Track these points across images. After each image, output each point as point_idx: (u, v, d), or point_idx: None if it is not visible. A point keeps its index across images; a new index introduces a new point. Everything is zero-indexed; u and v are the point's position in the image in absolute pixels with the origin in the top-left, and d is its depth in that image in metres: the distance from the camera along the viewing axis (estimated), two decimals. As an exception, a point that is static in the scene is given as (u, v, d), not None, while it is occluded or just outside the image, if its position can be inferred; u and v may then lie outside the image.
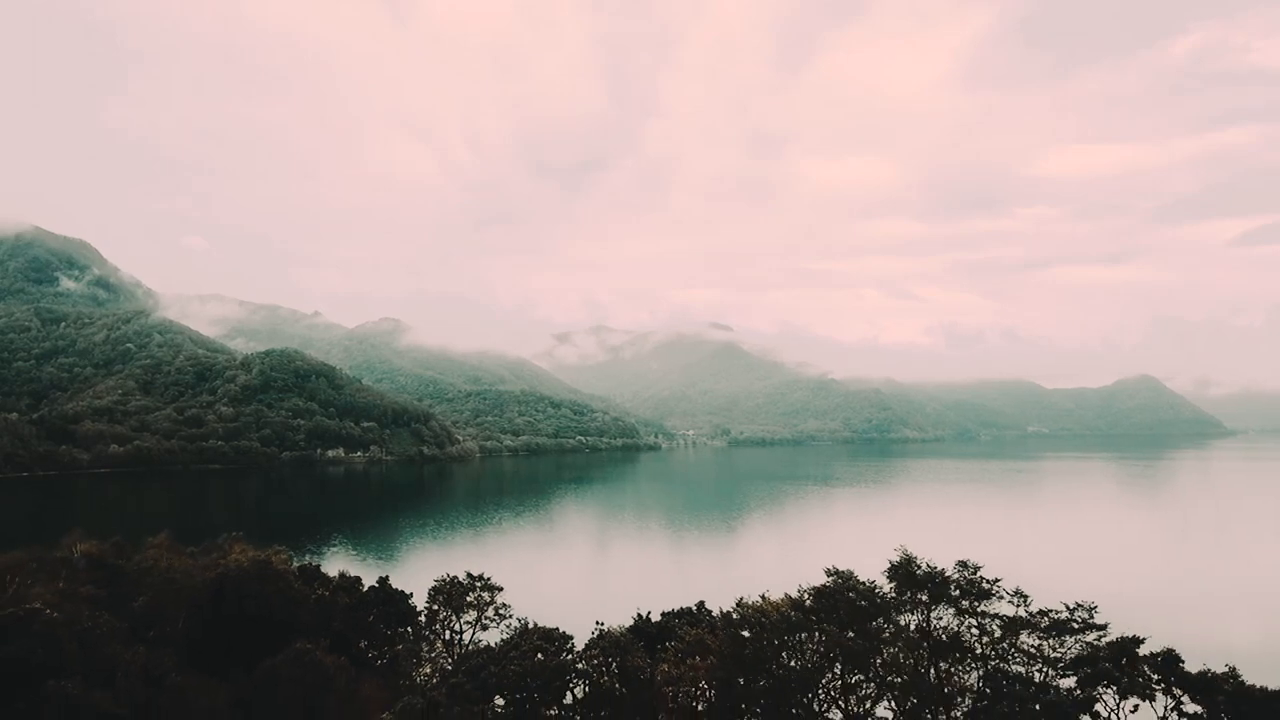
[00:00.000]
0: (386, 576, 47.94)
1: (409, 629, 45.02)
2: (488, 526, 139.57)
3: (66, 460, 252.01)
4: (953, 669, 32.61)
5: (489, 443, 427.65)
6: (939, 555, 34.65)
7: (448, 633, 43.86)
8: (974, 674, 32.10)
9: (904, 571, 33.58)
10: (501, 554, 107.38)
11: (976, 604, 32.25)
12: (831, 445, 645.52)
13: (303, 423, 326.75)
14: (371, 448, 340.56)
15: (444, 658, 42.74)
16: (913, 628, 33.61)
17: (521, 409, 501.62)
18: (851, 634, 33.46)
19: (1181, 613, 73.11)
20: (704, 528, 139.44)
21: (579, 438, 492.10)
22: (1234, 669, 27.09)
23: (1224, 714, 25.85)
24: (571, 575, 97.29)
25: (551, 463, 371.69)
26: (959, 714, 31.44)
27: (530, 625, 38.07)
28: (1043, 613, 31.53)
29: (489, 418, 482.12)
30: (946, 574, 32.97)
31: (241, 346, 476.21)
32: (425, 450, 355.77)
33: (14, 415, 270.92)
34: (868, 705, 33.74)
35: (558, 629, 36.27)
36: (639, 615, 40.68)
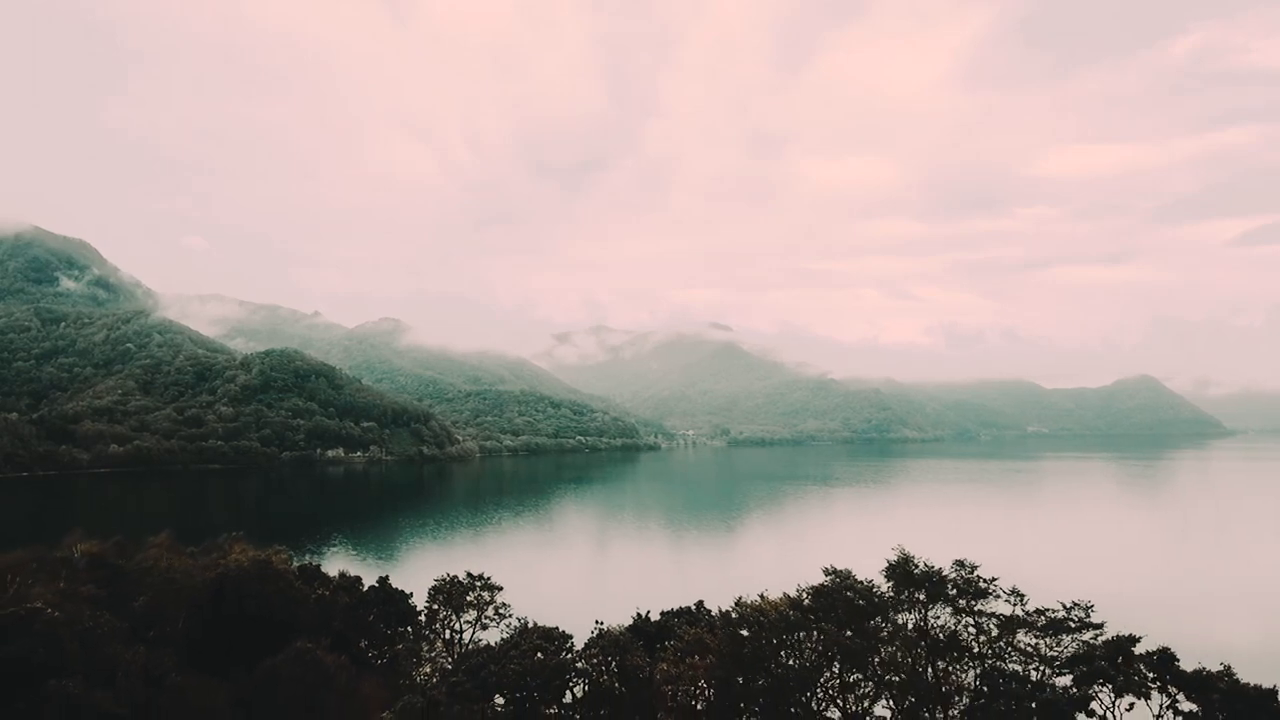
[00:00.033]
0: (386, 576, 48.07)
1: (409, 628, 45.13)
2: (487, 526, 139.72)
3: (66, 460, 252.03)
4: (950, 668, 32.77)
5: (489, 443, 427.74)
6: (938, 555, 34.82)
7: (448, 632, 44.00)
8: (971, 672, 32.28)
9: (901, 571, 33.76)
10: (501, 554, 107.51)
11: (973, 603, 32.44)
12: (831, 445, 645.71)
13: (303, 423, 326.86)
14: (371, 448, 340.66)
15: (444, 657, 42.87)
16: (910, 627, 33.79)
17: (521, 409, 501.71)
18: (850, 633, 33.64)
19: (1178, 612, 73.31)
20: (703, 527, 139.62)
21: (579, 438, 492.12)
22: (1229, 667, 27.27)
23: (1218, 712, 26.02)
24: (571, 575, 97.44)
25: (551, 463, 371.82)
26: (956, 712, 31.60)
27: (530, 624, 38.23)
28: (1039, 612, 31.73)
29: (489, 418, 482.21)
30: (944, 573, 33.16)
31: (241, 346, 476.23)
32: (425, 450, 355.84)
33: (14, 415, 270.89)
34: (866, 704, 33.91)
35: (557, 628, 36.44)
36: (638, 614, 40.82)
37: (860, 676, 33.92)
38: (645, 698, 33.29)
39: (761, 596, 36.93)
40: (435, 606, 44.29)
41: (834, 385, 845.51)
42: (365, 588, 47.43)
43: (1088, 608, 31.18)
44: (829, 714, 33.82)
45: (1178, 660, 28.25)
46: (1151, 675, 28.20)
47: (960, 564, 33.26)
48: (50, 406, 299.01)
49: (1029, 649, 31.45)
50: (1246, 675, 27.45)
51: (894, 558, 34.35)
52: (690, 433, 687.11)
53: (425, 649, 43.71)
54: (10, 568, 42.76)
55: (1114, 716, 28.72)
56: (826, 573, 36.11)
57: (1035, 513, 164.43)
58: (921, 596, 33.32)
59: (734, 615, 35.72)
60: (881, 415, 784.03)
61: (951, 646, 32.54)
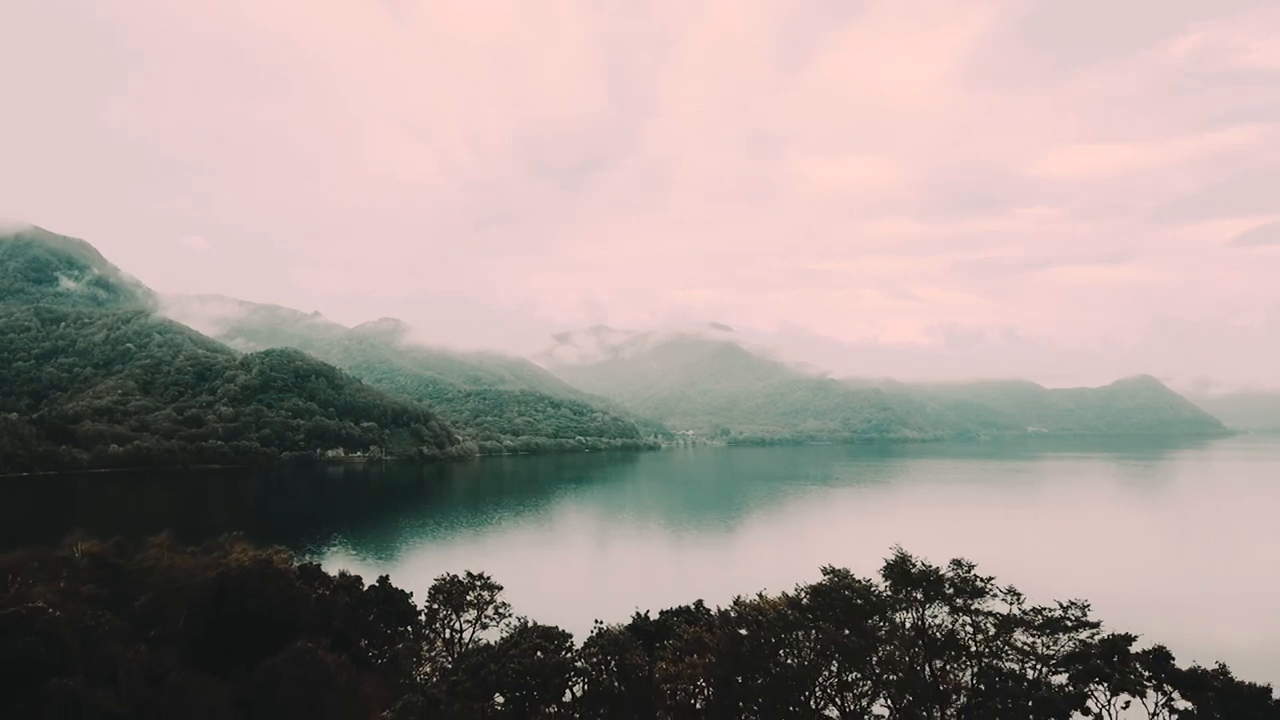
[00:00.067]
0: (387, 576, 48.20)
1: (409, 628, 45.27)
2: (487, 526, 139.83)
3: (66, 460, 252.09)
4: (947, 666, 32.93)
5: (489, 443, 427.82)
6: (938, 555, 34.94)
7: (448, 631, 44.15)
8: (968, 671, 32.44)
9: (899, 570, 33.91)
10: (501, 553, 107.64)
11: (970, 602, 32.60)
12: (831, 445, 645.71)
13: (302, 423, 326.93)
14: (371, 448, 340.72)
15: (444, 656, 43.04)
16: (908, 626, 33.94)
17: (521, 409, 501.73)
18: (848, 632, 33.80)
19: (1175, 612, 73.45)
20: (702, 527, 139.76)
21: (578, 438, 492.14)
22: (1224, 666, 27.44)
23: (1213, 710, 26.18)
24: (571, 574, 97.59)
25: (551, 463, 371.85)
26: (953, 711, 31.74)
27: (530, 624, 38.40)
28: (1036, 611, 31.91)
29: (489, 418, 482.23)
30: (940, 572, 33.32)
31: (241, 346, 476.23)
32: (425, 450, 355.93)
33: (14, 415, 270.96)
34: (864, 702, 34.06)
35: (557, 627, 36.61)
36: (637, 614, 40.94)
37: (858, 675, 34.07)
38: (644, 696, 33.46)
39: (760, 596, 37.10)
40: (435, 606, 44.45)
41: (834, 385, 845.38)
42: (365, 587, 47.56)
43: (1084, 607, 31.36)
44: (827, 712, 33.97)
45: (1173, 659, 28.43)
46: (1147, 674, 28.39)
47: (957, 563, 33.43)
48: (50, 406, 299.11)
49: (1025, 648, 31.63)
50: (1242, 674, 27.60)
51: (891, 557, 34.51)
52: (690, 433, 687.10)
53: (425, 648, 43.87)
54: (11, 567, 42.86)
55: (1109, 714, 28.88)
56: (824, 572, 36.27)
57: (1034, 513, 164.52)
58: (919, 596, 33.49)
59: (733, 614, 35.88)
60: (881, 415, 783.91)
61: (949, 645, 32.71)
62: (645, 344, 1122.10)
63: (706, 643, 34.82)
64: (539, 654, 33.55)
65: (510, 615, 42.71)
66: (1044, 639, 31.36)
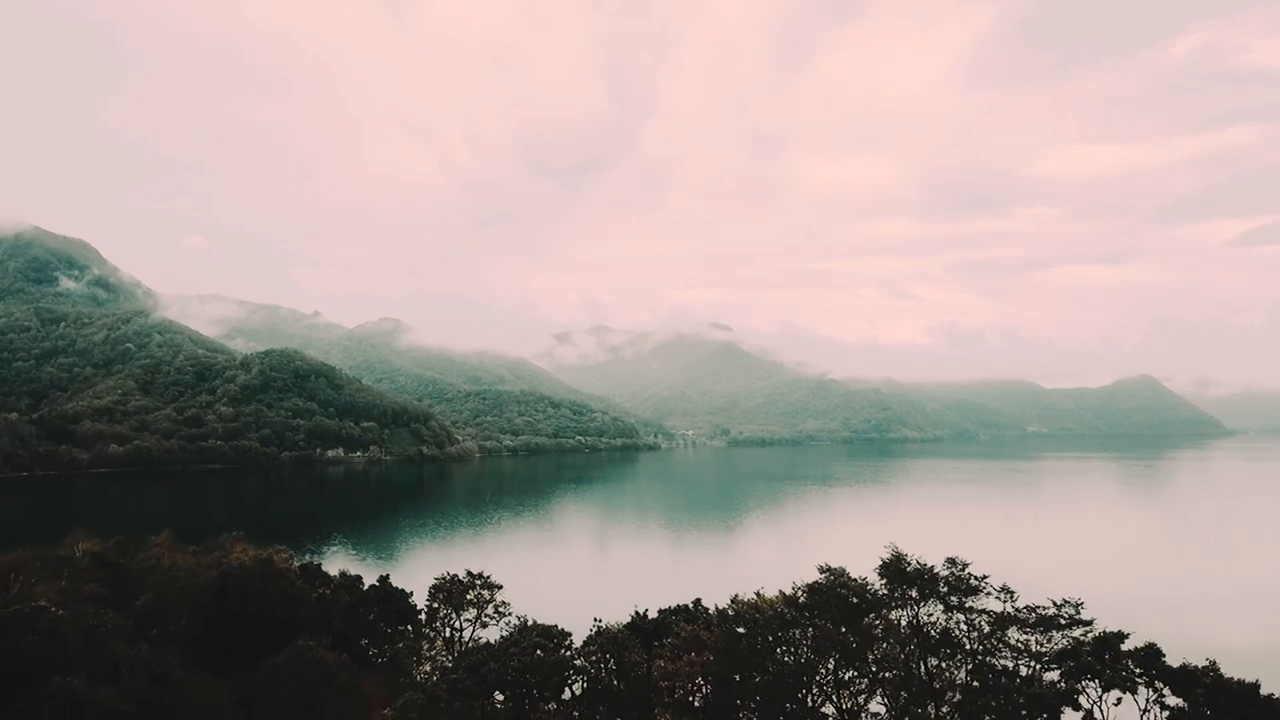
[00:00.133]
0: (387, 575, 48.47)
1: (409, 627, 45.54)
2: (487, 526, 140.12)
3: (66, 460, 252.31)
4: (943, 664, 33.20)
5: (488, 443, 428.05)
6: (937, 554, 35.21)
7: (448, 630, 44.43)
8: (963, 669, 32.70)
9: (894, 569, 34.20)
10: (501, 553, 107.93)
11: (965, 600, 32.90)
12: (831, 445, 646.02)
13: (302, 423, 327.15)
14: (371, 448, 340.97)
15: (444, 655, 43.32)
16: (904, 624, 34.22)
17: (521, 409, 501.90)
18: (844, 630, 34.06)
19: (1169, 610, 73.79)
20: (701, 527, 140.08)
21: (578, 438, 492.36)
22: (1214, 663, 27.75)
23: (1203, 706, 26.49)
24: (570, 573, 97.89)
25: (551, 463, 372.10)
26: (948, 708, 32.02)
27: (529, 622, 38.66)
28: (1030, 609, 32.22)
29: (489, 418, 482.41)
30: (935, 570, 33.61)
31: (241, 346, 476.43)
32: (425, 450, 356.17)
33: (14, 415, 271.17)
34: (860, 700, 34.30)
35: (556, 626, 36.87)
36: (636, 612, 41.19)
37: (855, 673, 34.31)
38: (643, 694, 33.75)
39: (758, 594, 37.38)
40: (435, 605, 44.72)
41: (834, 385, 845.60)
42: (366, 587, 47.83)
43: (1078, 605, 31.65)
44: (824, 710, 34.22)
45: (1164, 656, 28.74)
46: (1138, 671, 28.68)
47: (952, 562, 33.74)
48: (50, 406, 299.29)
49: (1019, 645, 31.91)
50: (1233, 671, 27.92)
51: (887, 556, 34.81)
52: (690, 433, 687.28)
53: (425, 647, 44.15)
54: (13, 567, 43.15)
55: (1101, 711, 29.20)
56: (821, 570, 36.53)
57: (1033, 513, 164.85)
58: (914, 594, 33.77)
59: (731, 613, 36.15)
60: (881, 415, 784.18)
61: (944, 643, 32.98)
62: (645, 344, 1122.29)
63: (704, 641, 35.09)
64: (538, 652, 33.84)
65: (510, 614, 42.98)
66: (1037, 637, 31.65)
